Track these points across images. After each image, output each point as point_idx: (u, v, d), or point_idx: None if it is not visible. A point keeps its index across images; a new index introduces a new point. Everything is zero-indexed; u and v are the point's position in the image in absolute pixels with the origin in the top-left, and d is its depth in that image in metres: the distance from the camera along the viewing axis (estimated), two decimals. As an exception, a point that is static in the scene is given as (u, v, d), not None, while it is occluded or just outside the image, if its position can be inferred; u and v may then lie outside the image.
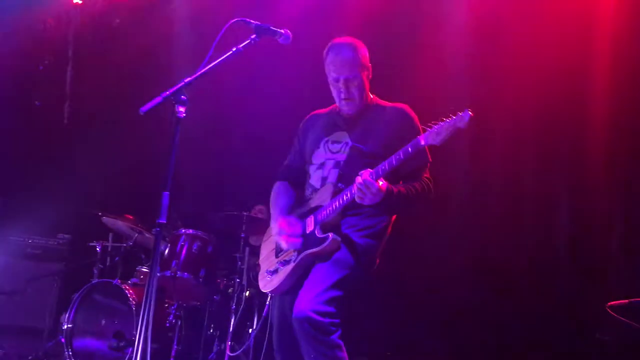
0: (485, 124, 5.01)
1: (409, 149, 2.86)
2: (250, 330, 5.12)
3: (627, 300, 3.13)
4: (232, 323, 5.00)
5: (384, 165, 2.89)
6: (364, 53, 3.22)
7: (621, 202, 4.75)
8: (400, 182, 3.05)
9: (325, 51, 3.24)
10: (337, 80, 3.18)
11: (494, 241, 5.15)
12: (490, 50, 5.22)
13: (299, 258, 3.09)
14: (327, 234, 3.01)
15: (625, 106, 4.70)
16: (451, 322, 5.22)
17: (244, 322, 5.21)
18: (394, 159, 2.88)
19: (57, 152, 6.67)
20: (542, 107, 5.02)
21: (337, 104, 3.26)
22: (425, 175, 3.13)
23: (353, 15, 5.60)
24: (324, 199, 3.10)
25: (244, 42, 2.88)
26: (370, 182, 2.84)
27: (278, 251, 3.24)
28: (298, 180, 3.37)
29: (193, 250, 5.15)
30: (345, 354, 2.96)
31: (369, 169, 2.91)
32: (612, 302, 3.11)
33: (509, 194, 5.17)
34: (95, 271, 5.44)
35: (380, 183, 2.87)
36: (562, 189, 5.06)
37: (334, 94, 3.24)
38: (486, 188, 5.26)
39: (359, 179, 2.87)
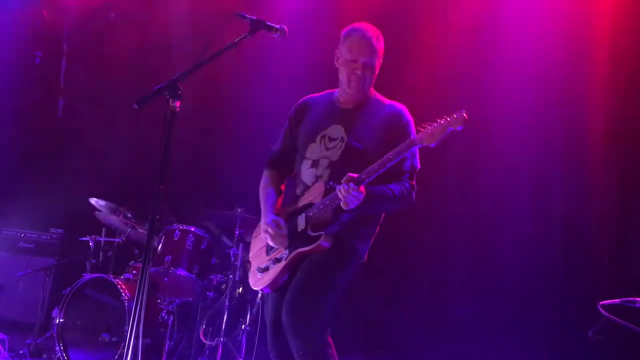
0: (482, 121, 5.02)
1: (402, 149, 2.86)
2: (243, 327, 5.11)
3: (619, 300, 3.13)
4: (224, 319, 5.00)
5: (375, 167, 2.89)
6: (383, 44, 3.19)
7: (615, 201, 4.76)
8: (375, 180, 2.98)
9: (345, 32, 3.18)
10: (354, 61, 3.11)
11: (486, 239, 5.16)
12: (487, 49, 5.22)
13: (290, 256, 3.07)
14: (319, 233, 2.99)
15: (621, 105, 4.72)
16: (443, 321, 5.23)
17: (236, 318, 5.21)
18: (386, 160, 2.88)
19: (50, 146, 6.65)
20: (539, 105, 5.03)
21: (345, 86, 3.17)
22: (412, 181, 3.09)
23: (349, 15, 5.59)
24: (315, 196, 3.07)
25: (239, 36, 2.87)
26: (355, 188, 2.85)
27: (269, 249, 3.22)
28: (288, 168, 3.32)
29: (187, 246, 5.13)
30: (334, 352, 2.96)
31: (356, 174, 2.89)
32: (604, 301, 3.11)
33: (504, 192, 5.18)
34: (88, 266, 5.41)
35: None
36: (557, 187, 5.07)
37: (344, 76, 3.15)
38: (480, 187, 5.27)
39: (344, 187, 2.86)
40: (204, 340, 5.08)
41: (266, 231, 3.13)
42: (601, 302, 3.13)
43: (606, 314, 3.09)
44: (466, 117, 2.75)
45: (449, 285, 5.26)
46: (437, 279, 5.31)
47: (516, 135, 5.17)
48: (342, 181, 2.90)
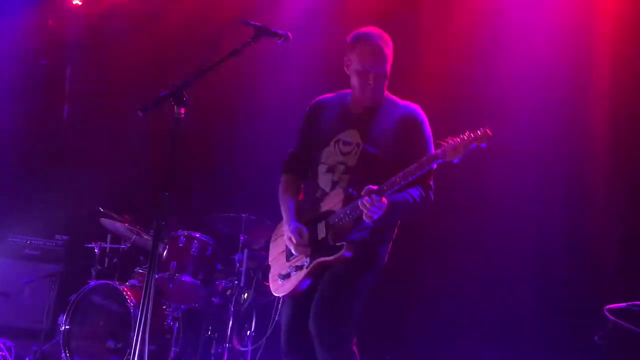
0: (483, 123, 5.01)
1: (424, 163, 2.85)
2: (248, 333, 5.11)
3: (625, 304, 3.13)
4: (230, 325, 5.00)
5: (398, 179, 2.88)
6: (392, 47, 3.15)
7: (621, 204, 4.75)
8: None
9: (351, 39, 3.15)
10: (366, 72, 3.09)
11: (492, 242, 5.15)
12: (490, 52, 5.23)
13: (311, 265, 3.06)
14: (340, 244, 2.99)
15: (626, 105, 4.72)
16: (448, 323, 5.23)
17: (242, 324, 5.21)
18: (409, 173, 2.87)
19: (56, 152, 6.66)
20: (543, 107, 5.03)
21: (358, 94, 3.16)
22: (429, 181, 3.09)
23: (353, 17, 5.61)
24: (334, 204, 3.06)
25: (244, 42, 2.88)
26: (377, 200, 2.85)
27: (289, 254, 3.20)
28: (305, 169, 3.30)
29: (192, 252, 5.14)
30: None
31: (377, 186, 2.89)
32: (610, 305, 3.11)
33: (508, 194, 5.17)
34: (93, 273, 5.42)
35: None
36: (562, 190, 5.07)
37: (357, 84, 3.13)
38: (485, 188, 5.26)
39: (366, 199, 2.85)
40: (211, 347, 5.08)
41: (290, 239, 3.12)
42: (607, 306, 3.12)
43: (612, 318, 3.09)
44: (490, 134, 2.73)
45: (454, 291, 5.24)
46: (441, 285, 5.29)
47: (518, 139, 5.17)
48: (362, 193, 2.90)
